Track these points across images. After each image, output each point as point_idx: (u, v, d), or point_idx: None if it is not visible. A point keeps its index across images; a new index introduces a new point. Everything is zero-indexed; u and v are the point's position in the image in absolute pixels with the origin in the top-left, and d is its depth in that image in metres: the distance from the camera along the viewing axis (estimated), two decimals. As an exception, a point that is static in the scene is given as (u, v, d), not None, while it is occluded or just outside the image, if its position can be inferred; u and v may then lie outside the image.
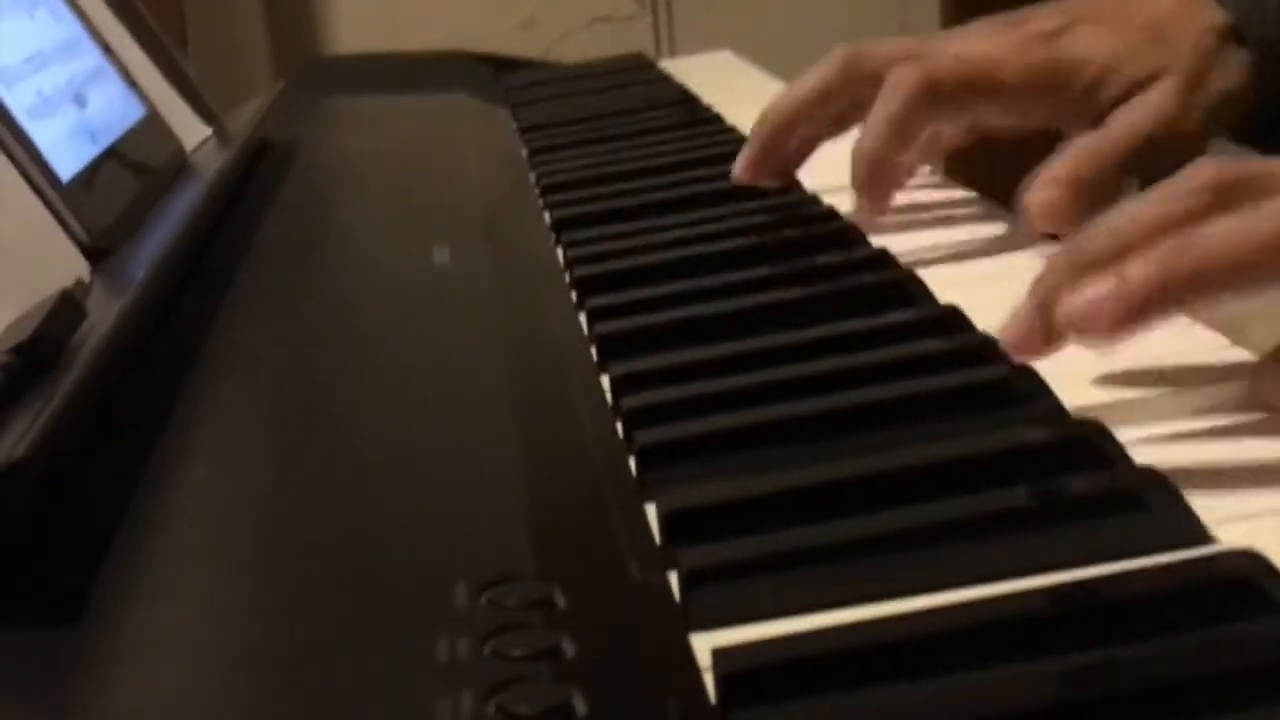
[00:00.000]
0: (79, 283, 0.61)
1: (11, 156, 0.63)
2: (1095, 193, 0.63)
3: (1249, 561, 0.38)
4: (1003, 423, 0.48)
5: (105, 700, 0.38)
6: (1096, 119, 0.67)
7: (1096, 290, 0.45)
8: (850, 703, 0.34)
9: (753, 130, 0.75)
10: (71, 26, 0.81)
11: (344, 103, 1.20)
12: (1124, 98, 0.67)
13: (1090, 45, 0.68)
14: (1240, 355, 0.52)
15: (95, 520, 0.47)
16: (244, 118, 0.98)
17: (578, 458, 0.50)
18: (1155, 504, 0.41)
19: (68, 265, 0.62)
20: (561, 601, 0.39)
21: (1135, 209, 0.48)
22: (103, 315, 0.56)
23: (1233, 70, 0.68)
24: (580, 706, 0.34)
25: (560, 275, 0.70)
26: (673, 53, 2.28)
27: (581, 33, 2.34)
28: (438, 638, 0.37)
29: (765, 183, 0.75)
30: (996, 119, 0.71)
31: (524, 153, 0.98)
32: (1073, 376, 0.51)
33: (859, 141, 0.69)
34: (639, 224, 0.76)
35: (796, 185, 0.78)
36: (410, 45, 1.68)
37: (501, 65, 1.36)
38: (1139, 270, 0.45)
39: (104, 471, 0.50)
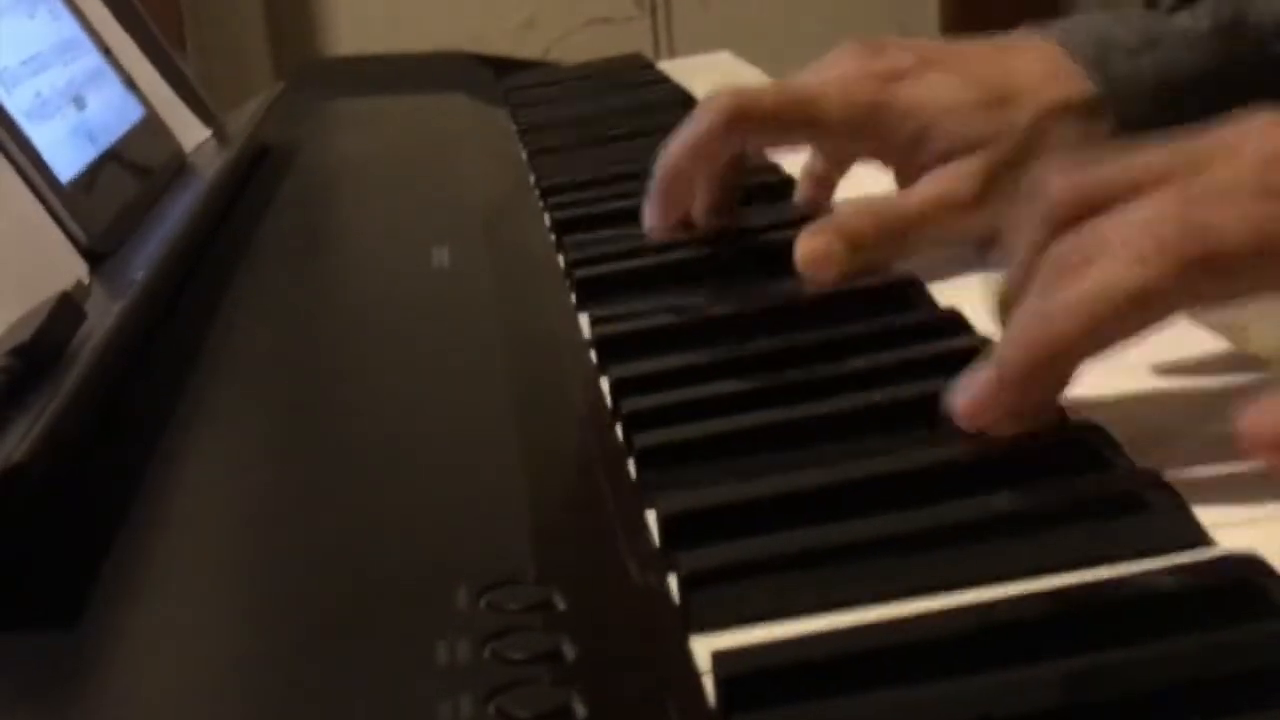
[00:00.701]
0: (78, 284, 0.61)
1: (10, 158, 0.63)
2: (872, 253, 0.62)
3: (1249, 564, 0.38)
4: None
5: (105, 700, 0.38)
6: (920, 167, 0.66)
7: (975, 384, 0.45)
8: (850, 706, 0.34)
9: (649, 185, 0.72)
10: (70, 28, 0.81)
11: (344, 104, 1.19)
12: (947, 155, 0.65)
13: (927, 95, 0.66)
14: (1240, 356, 0.52)
15: (95, 520, 0.47)
16: (243, 119, 0.98)
17: (577, 460, 0.50)
18: (1155, 506, 0.41)
19: (67, 267, 0.62)
20: (561, 604, 0.39)
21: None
22: (102, 317, 0.56)
23: (1065, 150, 0.65)
24: (580, 709, 0.34)
25: (560, 277, 0.70)
26: (671, 54, 2.29)
27: (580, 34, 2.34)
28: (438, 640, 0.37)
29: (670, 224, 0.71)
30: (820, 149, 0.71)
31: (523, 154, 0.98)
32: (1073, 376, 0.51)
33: (659, 158, 0.69)
34: (639, 226, 0.76)
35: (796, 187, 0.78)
36: (410, 46, 1.68)
37: (501, 66, 1.36)
38: (1008, 357, 0.44)
39: (104, 472, 0.50)
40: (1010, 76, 0.67)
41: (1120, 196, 0.45)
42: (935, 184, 0.64)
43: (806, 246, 0.61)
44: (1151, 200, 0.44)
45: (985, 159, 0.64)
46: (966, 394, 0.45)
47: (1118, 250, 0.43)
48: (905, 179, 0.67)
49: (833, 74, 0.68)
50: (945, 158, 0.65)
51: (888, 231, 0.63)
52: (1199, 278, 0.43)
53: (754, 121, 0.67)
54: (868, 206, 0.63)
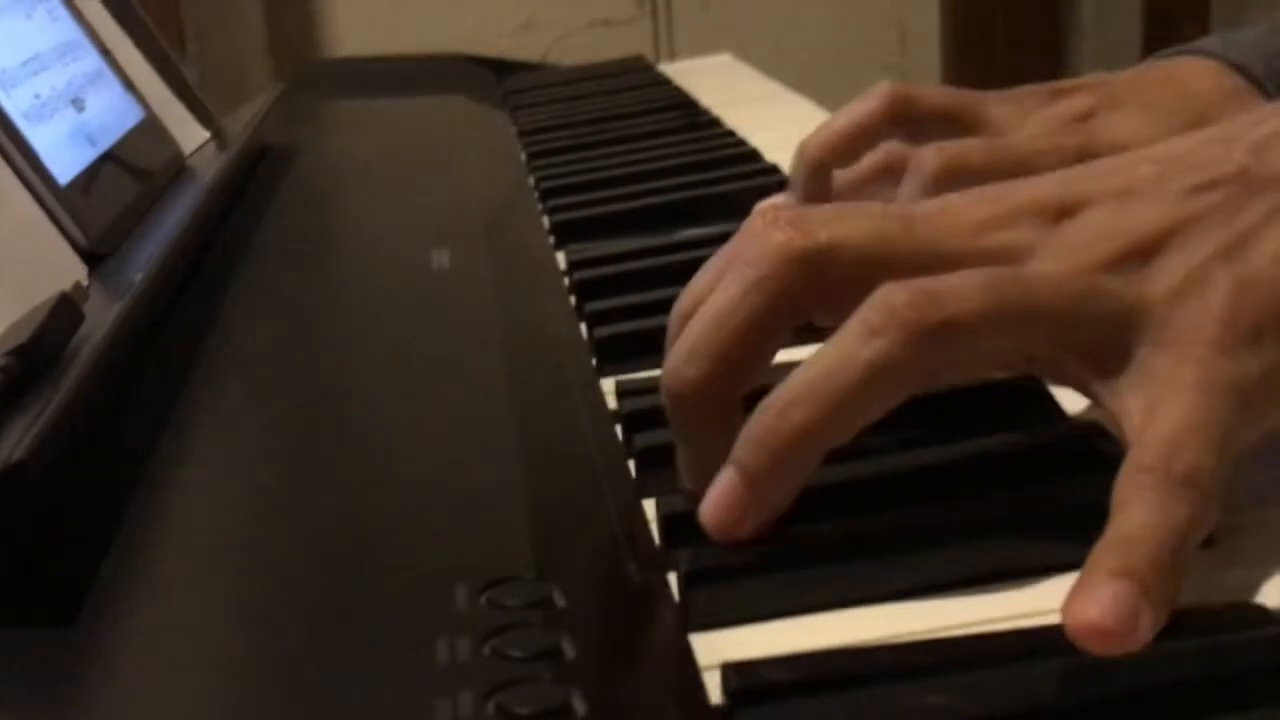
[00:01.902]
0: (77, 286, 0.61)
1: (9, 160, 0.63)
2: None
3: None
4: (1003, 424, 0.48)
5: (105, 699, 0.38)
6: None
7: (720, 493, 0.41)
8: (850, 703, 0.35)
9: (791, 172, 0.69)
10: (70, 29, 0.81)
11: (343, 105, 1.20)
12: None
13: (1124, 130, 0.64)
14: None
15: (95, 520, 0.47)
16: (243, 120, 0.98)
17: (578, 459, 0.50)
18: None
19: (66, 268, 0.62)
20: (561, 602, 0.39)
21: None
22: (101, 318, 0.56)
23: None
24: (580, 707, 0.34)
25: (560, 278, 0.70)
26: (672, 56, 2.29)
27: (581, 35, 2.34)
28: (438, 638, 0.37)
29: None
30: None
31: (523, 156, 0.98)
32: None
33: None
34: (638, 227, 0.76)
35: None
36: (409, 48, 1.68)
37: (501, 68, 1.36)
38: (748, 459, 0.41)
39: (104, 472, 0.50)
40: (1191, 101, 0.65)
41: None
42: None
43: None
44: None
45: None
46: (714, 506, 0.41)
47: (847, 325, 0.41)
48: None
49: (1021, 127, 0.65)
50: None
51: None
52: (934, 348, 0.40)
53: (966, 179, 0.58)
54: None
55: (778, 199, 0.68)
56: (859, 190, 0.66)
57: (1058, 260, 0.42)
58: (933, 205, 0.45)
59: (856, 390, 0.40)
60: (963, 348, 0.41)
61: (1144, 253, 0.42)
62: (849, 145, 0.66)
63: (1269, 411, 0.40)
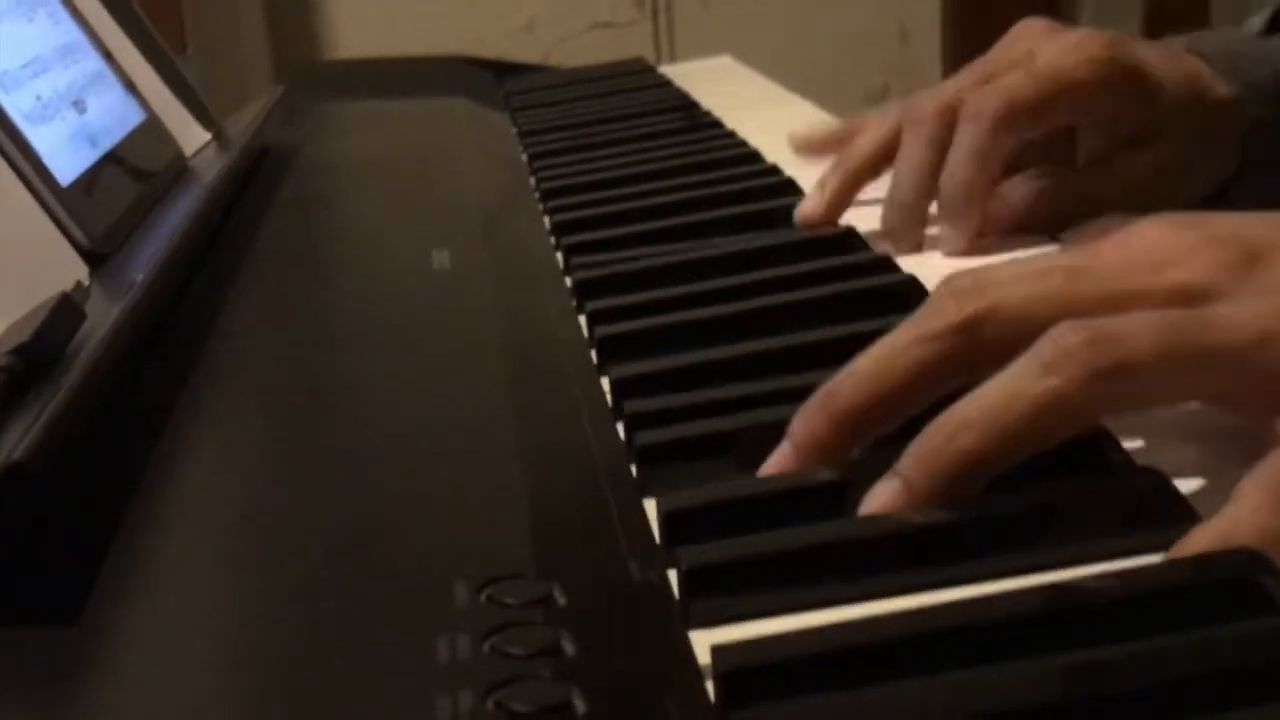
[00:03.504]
0: (78, 286, 0.61)
1: (11, 161, 0.63)
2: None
3: (1250, 561, 0.38)
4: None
5: (105, 700, 0.38)
6: (1123, 133, 0.69)
7: (882, 501, 0.43)
8: (849, 701, 0.35)
9: (827, 175, 0.73)
10: (71, 31, 0.81)
11: (344, 107, 1.20)
12: (1151, 121, 0.69)
13: (1146, 55, 0.69)
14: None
15: (95, 520, 0.47)
16: (244, 122, 0.99)
17: (578, 458, 0.50)
18: (1155, 504, 0.41)
19: (67, 269, 0.62)
20: (562, 600, 0.39)
21: (884, 352, 0.46)
22: (102, 318, 0.56)
23: (1225, 144, 0.72)
24: (580, 705, 0.34)
25: (560, 279, 0.71)
26: (672, 57, 2.29)
27: (581, 37, 2.34)
28: (438, 635, 0.37)
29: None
30: (1068, 122, 0.71)
31: (524, 157, 0.98)
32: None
33: (949, 173, 0.67)
34: (639, 228, 0.76)
35: (797, 189, 0.78)
36: (410, 50, 1.68)
37: (501, 70, 1.36)
38: (914, 477, 0.42)
39: (104, 472, 0.50)
40: (1190, 68, 0.72)
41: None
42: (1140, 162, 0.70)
43: None
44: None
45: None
46: (874, 510, 0.43)
47: (1023, 359, 0.42)
48: (1105, 148, 0.70)
49: (1047, 56, 0.69)
50: (1155, 121, 0.70)
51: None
52: (1107, 388, 0.41)
53: (1027, 112, 0.66)
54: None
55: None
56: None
57: (1243, 303, 0.42)
58: (1103, 248, 0.46)
59: (1026, 424, 0.41)
60: (1135, 387, 0.41)
61: None
62: (873, 163, 0.72)
63: None
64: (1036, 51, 0.69)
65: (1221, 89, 0.71)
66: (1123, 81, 0.68)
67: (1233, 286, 0.43)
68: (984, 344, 0.44)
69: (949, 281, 0.46)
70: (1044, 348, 0.41)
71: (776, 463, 0.46)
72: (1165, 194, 0.70)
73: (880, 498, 0.42)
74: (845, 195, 0.72)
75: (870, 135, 0.73)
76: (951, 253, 0.67)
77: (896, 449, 0.44)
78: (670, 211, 0.78)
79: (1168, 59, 0.71)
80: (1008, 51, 0.71)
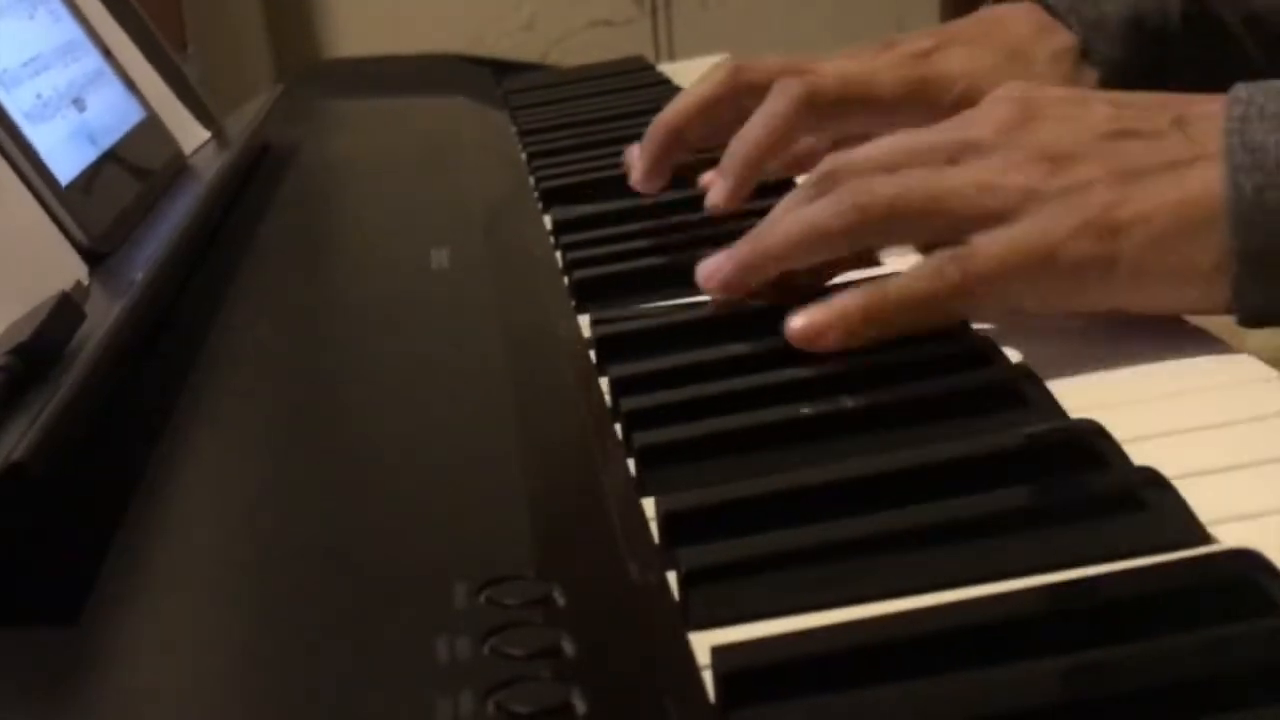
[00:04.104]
0: (78, 285, 0.61)
1: (10, 160, 0.63)
2: None
3: (1248, 561, 0.38)
4: (1002, 424, 0.48)
5: (105, 699, 0.38)
6: None
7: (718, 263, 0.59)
8: (850, 702, 0.35)
9: (643, 141, 0.78)
10: (71, 29, 0.81)
11: (343, 105, 1.20)
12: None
13: (958, 63, 0.74)
14: (1239, 356, 0.52)
15: (95, 520, 0.47)
16: (243, 120, 0.98)
17: (577, 458, 0.50)
18: (1154, 504, 0.41)
19: (67, 268, 0.62)
20: (561, 600, 0.39)
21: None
22: (102, 317, 0.56)
23: (1086, 84, 0.74)
24: (580, 705, 0.34)
25: (559, 278, 0.70)
26: (672, 56, 2.29)
27: (580, 36, 2.34)
28: (438, 637, 0.37)
29: (658, 188, 0.79)
30: (869, 129, 0.73)
31: (523, 156, 0.98)
32: (1072, 377, 0.51)
33: (737, 135, 0.71)
34: (638, 227, 0.76)
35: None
36: (409, 48, 1.68)
37: (501, 68, 1.36)
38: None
39: (104, 471, 0.50)
40: (1013, 38, 0.75)
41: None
42: None
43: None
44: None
45: None
46: (711, 268, 0.60)
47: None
48: None
49: (861, 64, 0.74)
50: None
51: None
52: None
53: (824, 105, 0.71)
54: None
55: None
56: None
57: (990, 159, 0.55)
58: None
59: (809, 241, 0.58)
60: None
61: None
62: (698, 117, 0.77)
63: None
64: (869, 56, 0.75)
65: (1057, 39, 0.75)
66: (925, 97, 0.73)
67: (1001, 142, 0.55)
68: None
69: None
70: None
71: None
72: None
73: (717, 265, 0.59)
74: (661, 158, 0.78)
75: (691, 95, 0.77)
76: (713, 206, 0.72)
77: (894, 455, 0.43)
78: (669, 210, 0.78)
79: (982, 36, 0.75)
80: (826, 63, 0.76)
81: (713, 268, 0.59)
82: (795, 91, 0.70)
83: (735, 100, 0.75)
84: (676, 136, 0.77)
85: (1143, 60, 0.74)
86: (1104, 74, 0.74)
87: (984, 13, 0.78)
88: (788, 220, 0.58)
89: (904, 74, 0.73)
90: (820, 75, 0.72)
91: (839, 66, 0.73)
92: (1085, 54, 0.74)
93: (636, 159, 0.79)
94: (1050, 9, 0.76)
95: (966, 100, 0.70)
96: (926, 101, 0.72)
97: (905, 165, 0.56)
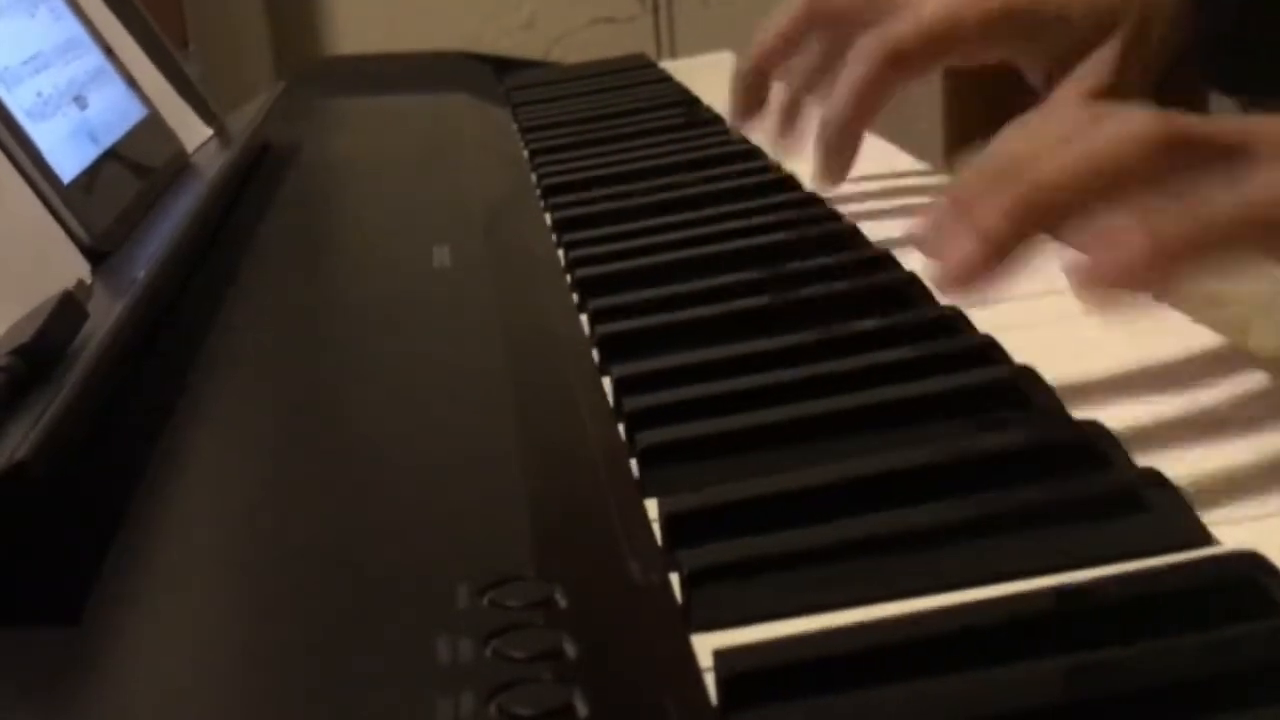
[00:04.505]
0: (80, 284, 0.61)
1: (12, 158, 0.63)
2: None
3: (1250, 562, 0.38)
4: (1003, 423, 0.48)
5: (105, 699, 0.38)
6: (1054, 55, 0.70)
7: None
8: (851, 704, 0.35)
9: (732, 78, 0.77)
10: (72, 27, 0.81)
11: (345, 103, 1.19)
12: (1077, 38, 0.69)
13: None
14: (1240, 355, 0.52)
15: (95, 520, 0.47)
16: (245, 118, 0.98)
17: (579, 459, 0.50)
18: (1155, 504, 0.41)
19: (69, 266, 0.62)
20: (563, 602, 0.39)
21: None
22: (104, 316, 0.56)
23: (1173, 8, 0.70)
24: (582, 707, 0.34)
25: (561, 276, 0.70)
26: (673, 53, 2.28)
27: (582, 33, 2.34)
28: (439, 638, 0.37)
29: (833, 180, 0.74)
30: (957, 64, 0.72)
31: (525, 153, 0.98)
32: (1073, 377, 0.51)
33: (825, 109, 0.70)
34: (640, 225, 0.76)
35: (798, 186, 0.78)
36: (410, 46, 1.68)
37: (502, 66, 1.36)
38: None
39: (104, 471, 0.50)
40: None
41: None
42: (1087, 78, 0.69)
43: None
44: None
45: (1123, 39, 0.69)
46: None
47: None
48: (1051, 71, 0.71)
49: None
50: (1077, 42, 0.69)
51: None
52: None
53: (909, 61, 0.69)
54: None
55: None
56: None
57: None
58: None
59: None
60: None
61: None
62: (782, 47, 0.74)
63: None
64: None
65: None
66: (1010, 28, 0.69)
67: None
68: (1187, 160, 0.45)
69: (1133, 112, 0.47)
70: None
71: (966, 260, 0.45)
72: (1144, 75, 0.70)
73: (1117, 246, 0.43)
74: (752, 97, 0.77)
75: (770, 31, 0.75)
76: (822, 186, 0.71)
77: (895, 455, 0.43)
78: (671, 208, 0.78)
79: None
80: None
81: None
82: (877, 54, 0.68)
83: (814, 31, 0.73)
84: (760, 75, 0.75)
85: None
86: None
87: None
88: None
89: (988, 6, 0.69)
90: (900, 29, 0.68)
91: (920, 12, 0.69)
92: None
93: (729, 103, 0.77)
94: None
95: (1054, 25, 0.69)
96: (1011, 33, 0.70)
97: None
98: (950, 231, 0.45)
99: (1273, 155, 0.44)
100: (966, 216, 0.45)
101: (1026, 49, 0.71)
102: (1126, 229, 0.43)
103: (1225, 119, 0.46)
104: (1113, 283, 0.43)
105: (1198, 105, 0.60)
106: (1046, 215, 0.45)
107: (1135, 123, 0.45)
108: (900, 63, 0.68)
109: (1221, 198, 0.43)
